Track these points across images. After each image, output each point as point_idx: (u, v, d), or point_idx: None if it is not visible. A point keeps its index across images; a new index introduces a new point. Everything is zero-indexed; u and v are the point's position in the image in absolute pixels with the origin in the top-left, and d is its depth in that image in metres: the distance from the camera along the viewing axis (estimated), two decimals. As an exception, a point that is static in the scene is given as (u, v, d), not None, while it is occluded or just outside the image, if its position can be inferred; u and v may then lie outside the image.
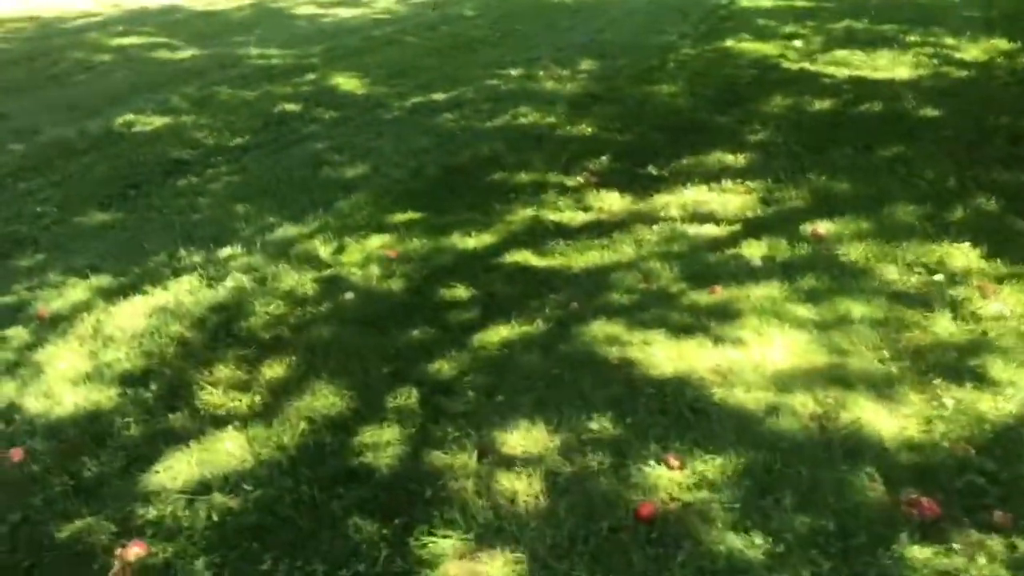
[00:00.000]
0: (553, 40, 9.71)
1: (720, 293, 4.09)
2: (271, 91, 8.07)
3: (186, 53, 9.61)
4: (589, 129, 6.64)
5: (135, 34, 10.59)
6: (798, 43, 8.81)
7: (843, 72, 7.61)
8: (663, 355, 3.60)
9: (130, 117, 7.46)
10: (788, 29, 9.41)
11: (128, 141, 6.94)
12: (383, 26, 10.86)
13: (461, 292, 4.29)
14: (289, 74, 8.64)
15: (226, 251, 4.91)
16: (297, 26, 11.01)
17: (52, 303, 4.49)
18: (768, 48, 8.63)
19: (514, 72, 8.40)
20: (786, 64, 8.02)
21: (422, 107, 7.42)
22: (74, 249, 5.16)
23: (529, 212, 5.17)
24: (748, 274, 4.24)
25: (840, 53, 8.24)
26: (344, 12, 11.78)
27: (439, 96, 7.69)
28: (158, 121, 7.36)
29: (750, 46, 8.76)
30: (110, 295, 4.52)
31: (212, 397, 3.60)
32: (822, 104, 6.81)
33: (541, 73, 8.31)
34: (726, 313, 3.90)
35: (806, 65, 7.94)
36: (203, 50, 9.72)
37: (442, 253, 4.72)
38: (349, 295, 4.36)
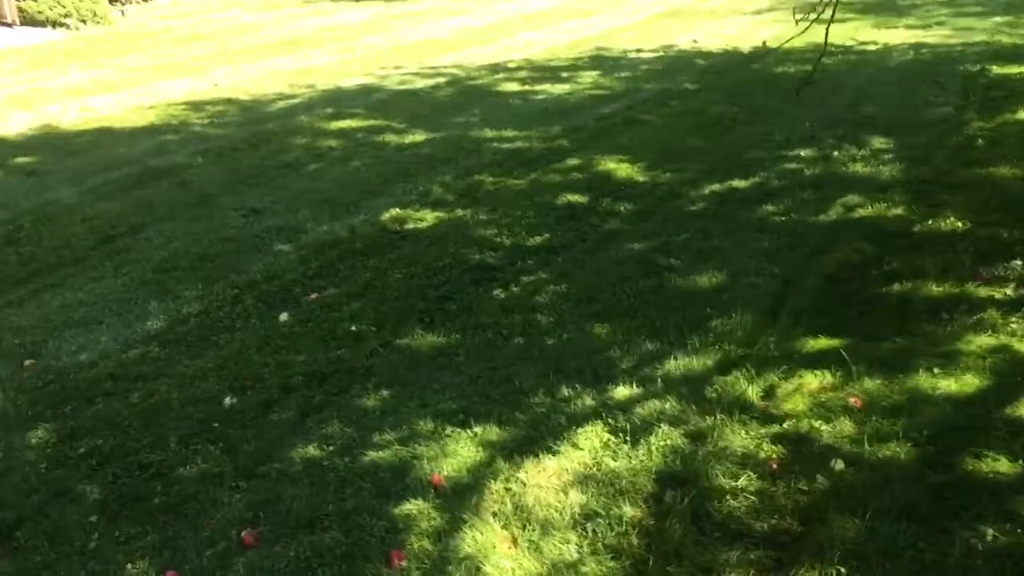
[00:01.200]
0: (811, 115, 8.75)
1: None
2: (539, 180, 7.26)
3: (416, 137, 8.92)
4: (959, 223, 5.62)
5: (348, 116, 10.00)
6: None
7: None
8: None
9: (397, 212, 6.71)
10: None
11: (410, 241, 6.16)
12: (607, 103, 10.06)
13: (1003, 465, 3.27)
14: (546, 159, 7.84)
15: (620, 390, 4.01)
16: (513, 105, 10.30)
17: (441, 463, 3.62)
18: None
19: (803, 153, 7.46)
20: None
21: (729, 197, 6.50)
22: (419, 382, 4.31)
23: (985, 339, 4.15)
24: None
25: None
26: (554, 88, 11.05)
27: (739, 183, 6.77)
28: (430, 216, 6.59)
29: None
30: (508, 453, 3.64)
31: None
32: None
33: (836, 154, 7.35)
34: None
35: None
36: (432, 133, 9.03)
37: (920, 401, 3.72)
38: (838, 464, 3.38)
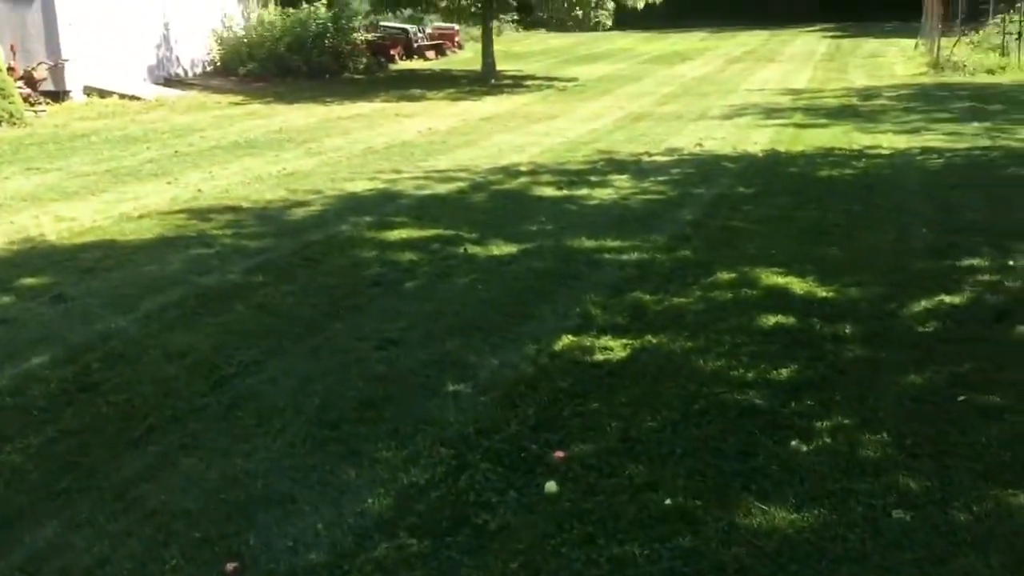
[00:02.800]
0: (908, 220, 8.27)
1: None
2: (709, 298, 6.36)
3: (503, 248, 7.88)
4: None
5: (398, 226, 8.86)
6: None
7: None
8: None
9: (571, 339, 5.66)
10: None
11: (621, 378, 5.11)
12: (674, 208, 9.35)
13: None
14: (686, 272, 6.93)
15: None
16: (572, 210, 9.43)
17: None
18: None
19: (974, 263, 6.86)
20: None
21: (957, 315, 5.79)
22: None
23: None
24: None
25: None
26: (597, 193, 10.27)
27: (951, 299, 6.10)
28: (617, 344, 5.56)
29: None
30: None
31: None
32: None
33: (1012, 264, 6.78)
34: None
35: None
36: (517, 243, 8.01)
37: None
38: None
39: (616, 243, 7.88)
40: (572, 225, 8.62)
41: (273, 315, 6.45)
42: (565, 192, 10.39)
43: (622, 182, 10.89)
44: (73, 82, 20.56)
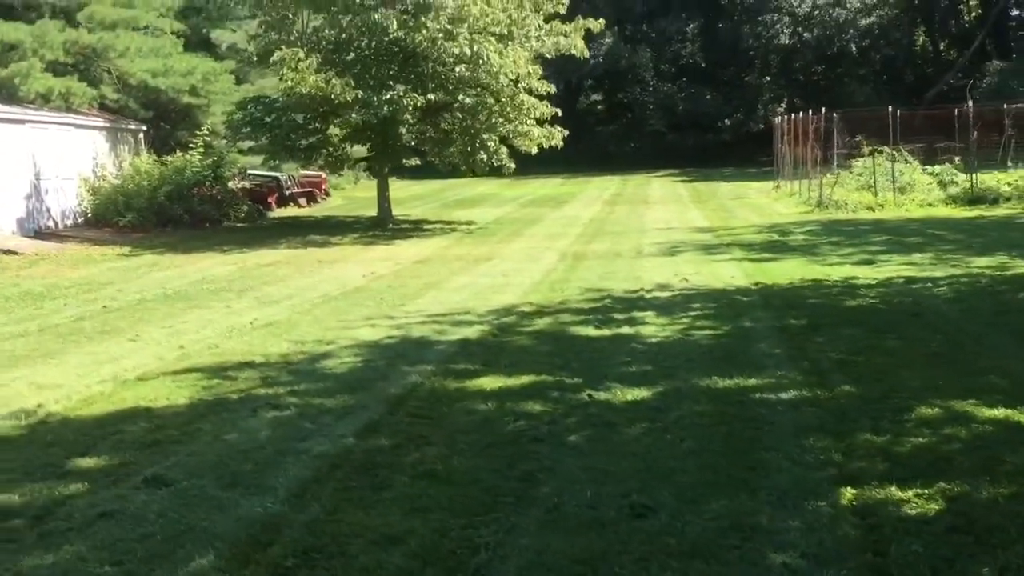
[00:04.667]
0: (994, 352, 8.12)
1: None
2: (927, 447, 5.77)
3: (636, 392, 7.09)
4: None
5: (480, 374, 7.90)
6: None
7: None
8: None
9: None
10: None
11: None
12: (742, 346, 8.86)
13: None
14: (878, 415, 6.32)
15: None
16: (643, 349, 8.76)
17: None
18: None
19: None
20: None
21: None
22: None
23: None
24: None
25: None
26: (640, 330, 9.66)
27: None
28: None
29: None
30: None
31: None
32: None
33: None
34: None
35: None
36: (646, 387, 7.23)
37: None
38: None
39: (752, 381, 7.25)
40: (672, 366, 7.93)
41: (452, 484, 5.36)
42: (608, 331, 9.72)
43: (653, 319, 10.34)
44: (-65, 235, 18.40)
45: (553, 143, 23.02)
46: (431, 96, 21.41)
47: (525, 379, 7.67)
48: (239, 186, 27.36)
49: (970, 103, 27.28)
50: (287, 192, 31.07)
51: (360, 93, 20.21)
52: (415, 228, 23.98)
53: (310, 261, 17.74)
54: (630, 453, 5.76)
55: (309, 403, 7.23)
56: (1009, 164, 29.75)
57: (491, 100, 21.78)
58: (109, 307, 12.86)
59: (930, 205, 23.95)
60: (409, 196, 35.02)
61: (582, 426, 6.33)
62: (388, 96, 20.57)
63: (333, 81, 19.80)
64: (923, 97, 47.41)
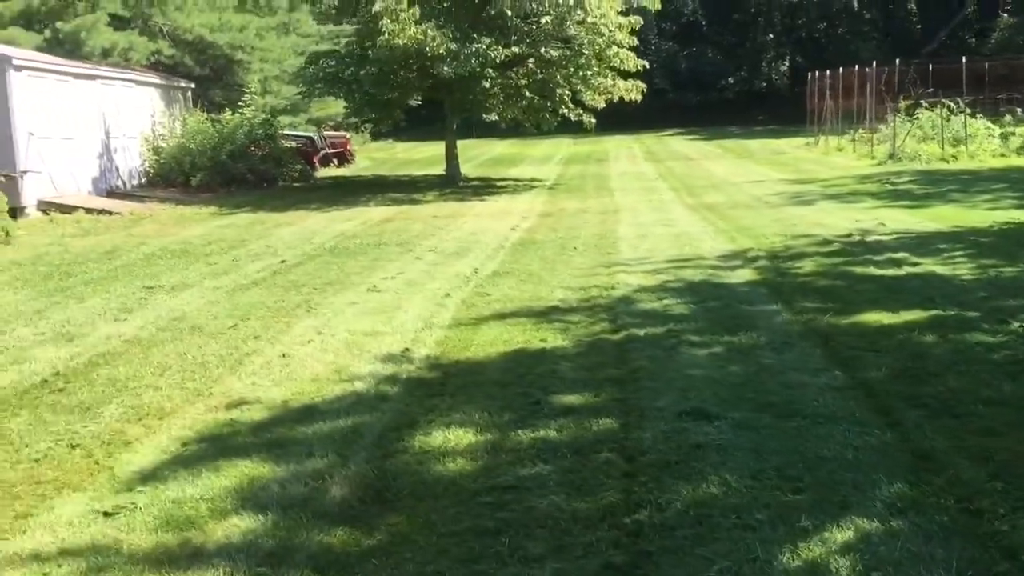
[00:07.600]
0: None
1: None
2: None
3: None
4: None
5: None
6: None
7: None
8: None
9: None
10: None
11: None
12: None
13: None
14: None
15: None
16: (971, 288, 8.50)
17: None
18: None
19: None
20: None
21: None
22: None
23: None
24: None
25: None
26: (937, 271, 9.40)
27: None
28: None
29: None
30: None
31: None
32: None
33: None
34: None
35: None
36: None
37: None
38: None
39: None
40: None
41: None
42: (900, 271, 9.43)
43: (924, 259, 10.00)
44: (28, 197, 17.30)
45: (632, 96, 22.55)
46: (515, 49, 20.79)
47: (908, 315, 7.33)
48: (286, 146, 26.40)
49: None
50: (321, 153, 30.13)
51: (453, 46, 19.50)
52: (487, 185, 23.37)
53: (424, 216, 17.08)
54: None
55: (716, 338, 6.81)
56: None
57: (576, 53, 21.20)
58: (288, 262, 12.14)
59: (1003, 155, 24.07)
60: (423, 158, 33.88)
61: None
62: (474, 48, 19.90)
63: (432, 32, 19.05)
64: (921, 53, 47.73)
